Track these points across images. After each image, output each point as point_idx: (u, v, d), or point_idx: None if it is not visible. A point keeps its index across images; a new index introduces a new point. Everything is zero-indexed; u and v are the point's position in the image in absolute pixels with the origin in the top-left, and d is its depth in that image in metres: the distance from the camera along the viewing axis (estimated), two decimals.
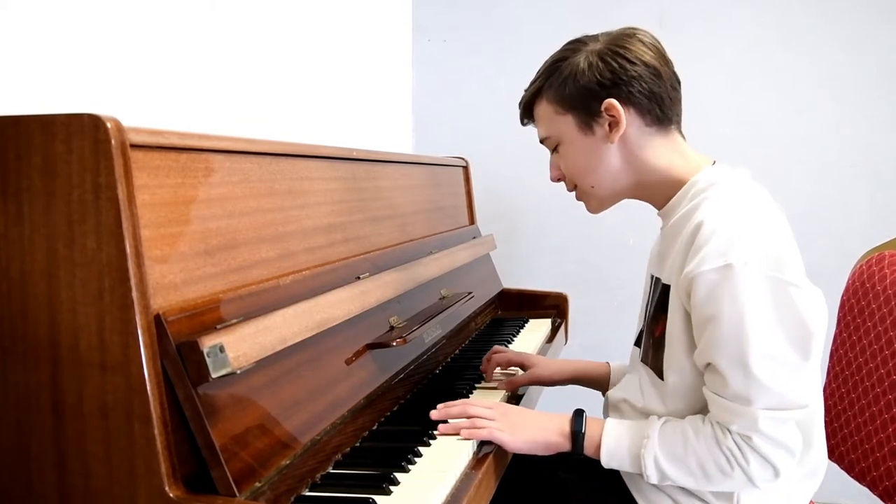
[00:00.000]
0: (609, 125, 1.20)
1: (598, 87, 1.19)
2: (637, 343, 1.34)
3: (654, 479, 1.14)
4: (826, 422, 1.50)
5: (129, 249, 0.81)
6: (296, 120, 1.97)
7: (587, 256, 2.72)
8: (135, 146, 0.84)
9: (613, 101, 1.18)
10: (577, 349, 2.39)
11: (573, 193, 1.33)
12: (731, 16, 2.60)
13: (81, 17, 1.26)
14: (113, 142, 0.81)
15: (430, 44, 2.84)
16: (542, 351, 1.90)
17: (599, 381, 1.53)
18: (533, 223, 2.77)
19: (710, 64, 2.62)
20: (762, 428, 1.05)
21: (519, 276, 2.58)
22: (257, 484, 0.90)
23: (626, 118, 1.19)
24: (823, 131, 2.57)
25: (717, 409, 1.10)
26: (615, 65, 1.18)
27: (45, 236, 0.84)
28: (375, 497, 0.98)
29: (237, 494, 0.85)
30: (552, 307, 2.24)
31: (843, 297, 1.52)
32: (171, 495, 0.81)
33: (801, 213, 2.55)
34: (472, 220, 2.34)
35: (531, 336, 1.98)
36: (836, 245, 2.47)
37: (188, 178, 0.95)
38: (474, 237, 2.23)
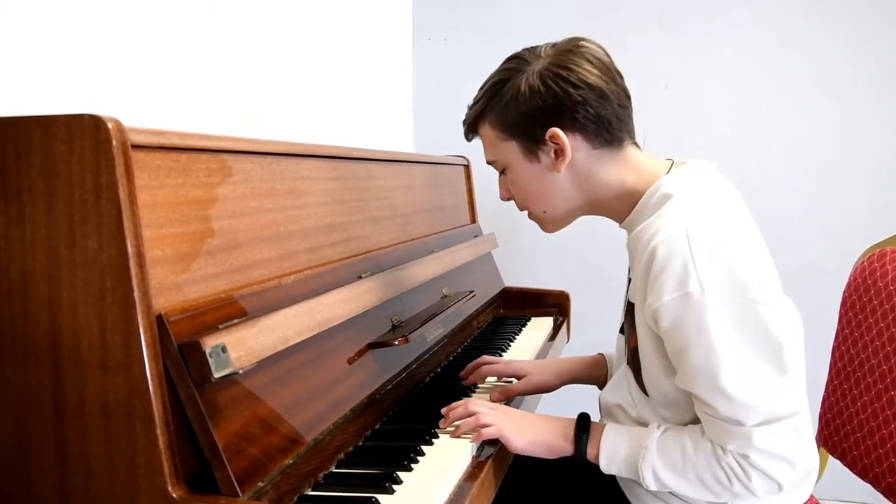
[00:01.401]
0: (555, 153, 1.16)
1: (540, 113, 1.14)
2: (622, 331, 1.33)
3: (652, 488, 1.13)
4: (829, 419, 1.50)
5: (130, 250, 0.81)
6: (296, 120, 1.97)
7: (588, 256, 2.72)
8: (136, 146, 0.84)
9: (557, 130, 1.14)
10: (579, 348, 2.38)
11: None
12: (731, 16, 2.60)
13: (81, 17, 1.26)
14: (114, 142, 0.80)
15: (431, 43, 2.84)
16: (545, 349, 1.90)
17: (597, 377, 1.52)
18: (534, 222, 2.76)
19: (709, 64, 2.62)
20: (757, 444, 1.04)
21: (520, 275, 2.58)
22: (260, 483, 0.90)
23: (573, 144, 1.15)
24: (823, 131, 2.56)
25: (711, 430, 1.08)
26: (557, 89, 1.12)
27: (46, 237, 0.84)
28: (378, 496, 0.98)
29: (240, 494, 0.85)
30: (554, 306, 2.24)
31: (844, 293, 1.52)
32: (174, 495, 0.81)
33: (801, 213, 2.55)
34: (473, 219, 2.34)
35: (533, 334, 1.98)
36: (836, 245, 2.47)
37: (189, 179, 0.95)
38: (476, 236, 2.23)
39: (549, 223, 1.28)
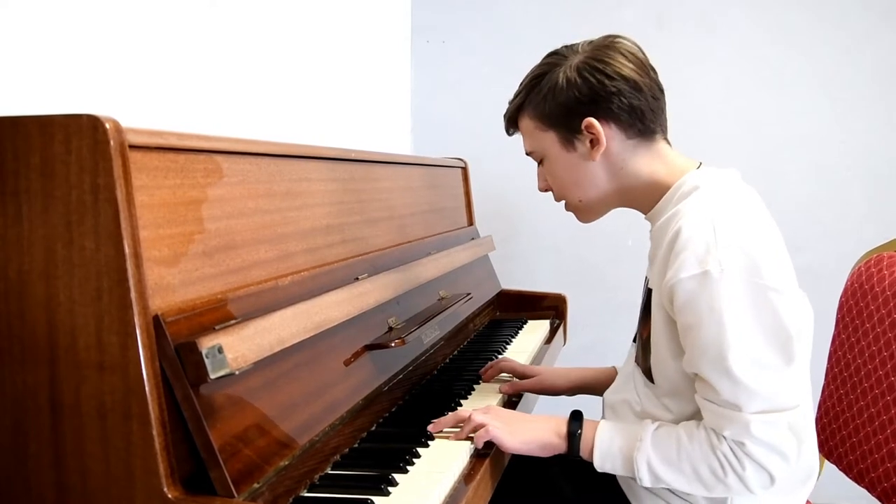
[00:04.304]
0: (590, 142, 1.20)
1: (576, 104, 1.19)
2: (635, 339, 1.34)
3: (647, 483, 1.13)
4: (825, 423, 1.50)
5: (127, 250, 0.81)
6: (294, 121, 1.97)
7: (586, 257, 2.72)
8: (133, 147, 0.84)
9: (592, 119, 1.18)
10: (576, 350, 2.39)
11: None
12: (729, 17, 2.60)
13: (80, 16, 1.26)
14: (112, 142, 0.81)
15: (429, 45, 2.84)
16: (541, 352, 1.90)
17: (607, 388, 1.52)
18: (532, 224, 2.77)
19: (707, 64, 2.62)
20: (754, 432, 1.05)
21: (518, 277, 2.59)
22: (255, 485, 0.90)
23: (608, 134, 1.19)
24: (821, 132, 2.57)
25: (709, 416, 1.09)
26: (593, 80, 1.17)
27: (44, 237, 0.84)
28: (374, 498, 0.98)
29: (235, 495, 0.85)
30: (551, 308, 2.24)
31: (841, 298, 1.52)
32: (170, 496, 0.81)
33: (798, 215, 2.55)
34: (470, 221, 2.34)
35: (530, 337, 1.98)
36: (833, 247, 2.48)
37: (187, 179, 0.95)
38: (473, 238, 2.23)
39: (585, 212, 1.31)
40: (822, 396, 1.54)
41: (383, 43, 2.64)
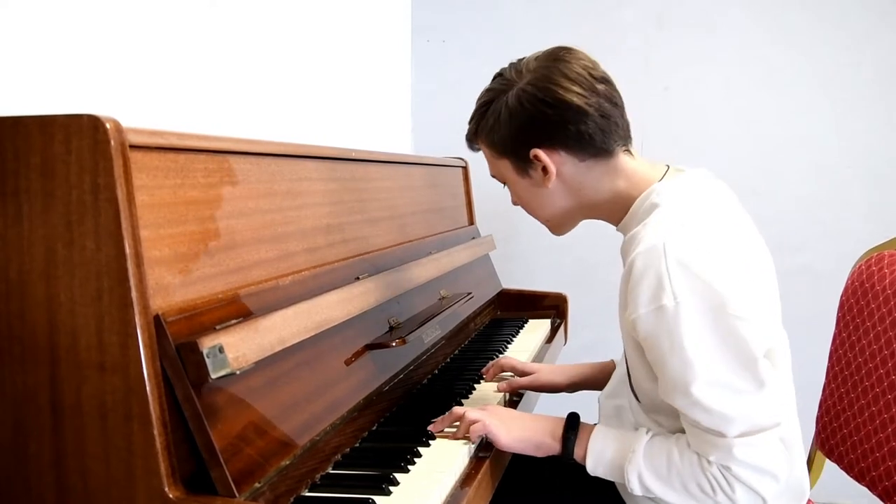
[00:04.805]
0: (542, 170, 1.18)
1: (521, 135, 1.17)
2: None
3: (637, 492, 1.13)
4: (826, 422, 1.50)
5: (128, 250, 0.81)
6: (294, 121, 1.97)
7: (586, 257, 2.72)
8: (134, 147, 0.84)
9: (538, 150, 1.16)
10: (576, 349, 2.39)
11: None
12: (729, 17, 2.60)
13: (80, 16, 1.26)
14: (112, 142, 0.80)
15: (430, 44, 2.84)
16: (542, 351, 1.91)
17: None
18: (532, 224, 2.75)
19: (707, 65, 2.62)
20: (738, 456, 1.04)
21: (518, 276, 2.58)
22: (257, 484, 0.90)
23: (557, 161, 1.16)
24: (821, 132, 2.57)
25: (694, 440, 1.09)
26: (534, 111, 1.14)
27: (44, 237, 0.84)
28: (375, 497, 0.98)
29: (237, 495, 0.85)
30: (551, 308, 2.24)
31: (842, 297, 1.52)
32: (171, 496, 0.81)
33: (798, 215, 2.55)
34: (471, 221, 2.34)
35: (530, 336, 1.98)
36: (833, 246, 2.48)
37: (187, 179, 0.95)
38: (473, 238, 2.23)
39: (554, 228, 1.31)
40: (823, 395, 1.54)
41: (383, 43, 2.64)
